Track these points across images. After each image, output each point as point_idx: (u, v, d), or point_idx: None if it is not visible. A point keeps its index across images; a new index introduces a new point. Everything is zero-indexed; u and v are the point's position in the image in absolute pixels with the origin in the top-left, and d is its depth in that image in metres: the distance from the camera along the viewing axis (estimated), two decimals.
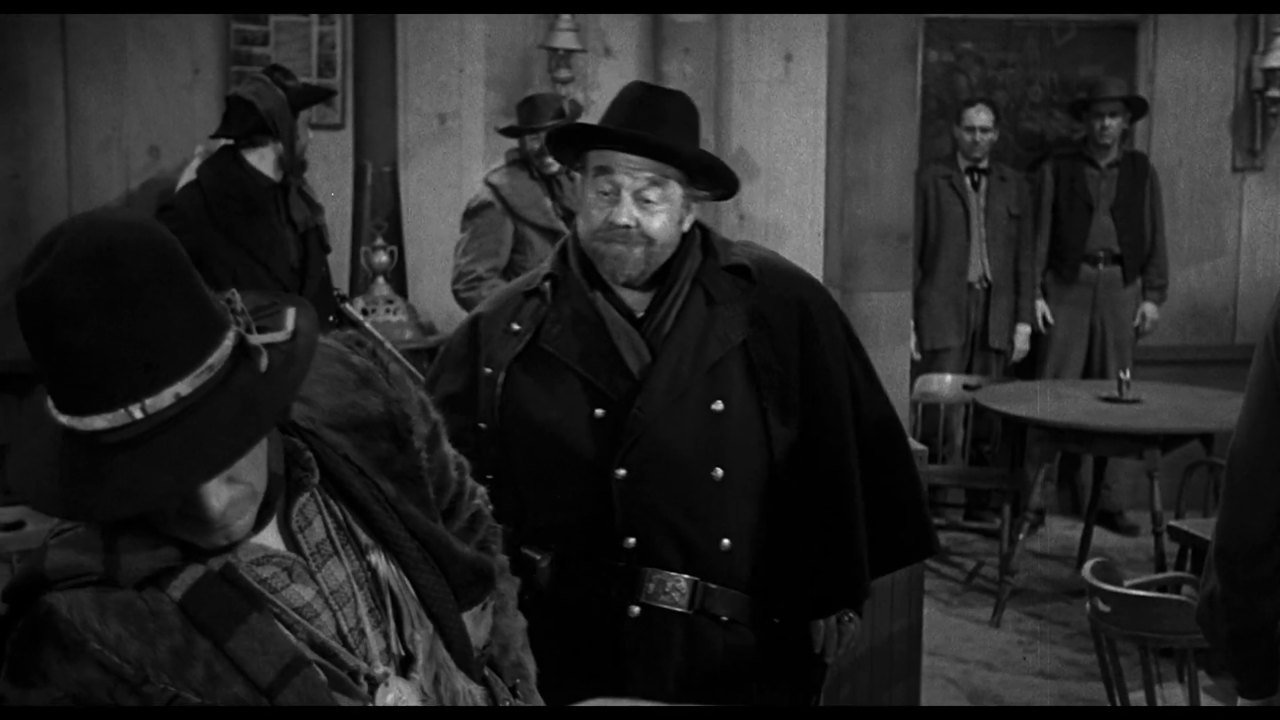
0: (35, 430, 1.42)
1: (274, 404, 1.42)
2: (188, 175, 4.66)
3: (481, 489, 1.95)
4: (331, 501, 1.62)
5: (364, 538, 1.63)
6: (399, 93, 5.91)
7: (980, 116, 6.36)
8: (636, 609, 2.47)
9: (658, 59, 6.19)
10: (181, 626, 1.47)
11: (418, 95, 6.00)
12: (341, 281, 5.46)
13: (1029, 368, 6.68)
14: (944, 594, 5.81)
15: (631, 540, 2.46)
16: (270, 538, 1.57)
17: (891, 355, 3.76)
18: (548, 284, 2.56)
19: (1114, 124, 6.39)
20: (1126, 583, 3.36)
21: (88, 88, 5.75)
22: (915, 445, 3.84)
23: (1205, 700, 3.32)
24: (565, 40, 5.89)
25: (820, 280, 3.91)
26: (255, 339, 1.43)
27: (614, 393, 2.47)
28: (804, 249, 6.25)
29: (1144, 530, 6.15)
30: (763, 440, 2.52)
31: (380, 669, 1.60)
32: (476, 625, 1.76)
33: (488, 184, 5.01)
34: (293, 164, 4.56)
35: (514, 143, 5.18)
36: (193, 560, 1.50)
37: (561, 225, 4.97)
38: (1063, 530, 6.62)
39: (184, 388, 1.36)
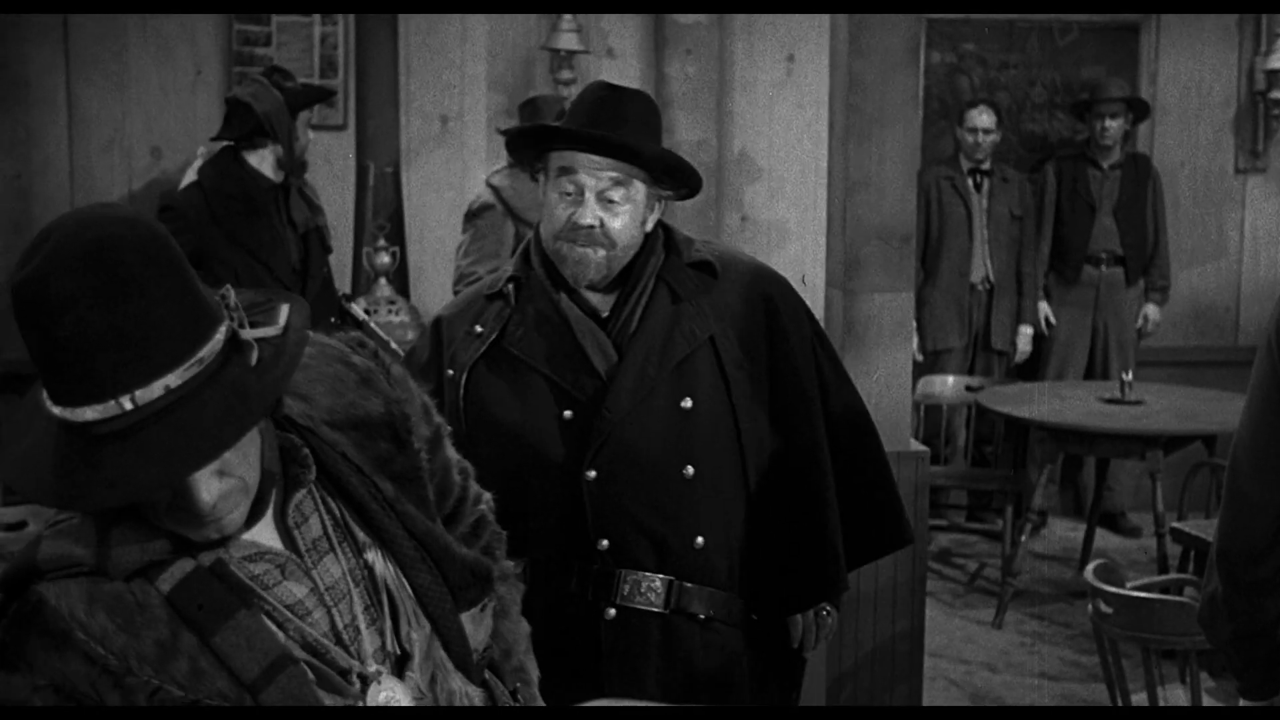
0: (30, 422, 1.44)
1: (263, 397, 1.43)
2: (189, 176, 4.66)
3: (487, 495, 1.95)
4: (329, 499, 1.63)
5: (361, 536, 1.63)
6: (401, 93, 5.91)
7: (982, 118, 6.35)
8: (613, 611, 2.46)
9: (660, 60, 6.20)
10: (168, 620, 1.48)
11: (420, 96, 6.01)
12: (343, 282, 5.47)
13: (1031, 369, 6.67)
14: (946, 595, 5.81)
15: (605, 542, 2.45)
16: (265, 534, 1.58)
17: (893, 356, 3.75)
18: (511, 286, 2.54)
19: (1115, 125, 6.39)
20: (1129, 584, 3.36)
21: (90, 88, 5.76)
22: (917, 446, 3.84)
23: (1207, 701, 3.31)
24: (567, 41, 5.89)
25: (824, 279, 3.92)
26: (247, 334, 1.44)
27: (581, 394, 2.46)
28: (806, 250, 6.27)
29: (1146, 532, 6.15)
30: (733, 436, 2.51)
31: (373, 667, 1.60)
32: (475, 627, 1.75)
33: (489, 185, 5.01)
34: (292, 165, 4.56)
35: None
36: (183, 554, 1.50)
37: None
38: (1065, 532, 6.62)
39: (174, 380, 1.37)
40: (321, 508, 1.62)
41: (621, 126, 2.42)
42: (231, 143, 4.55)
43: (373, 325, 4.73)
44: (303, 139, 4.60)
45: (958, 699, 4.78)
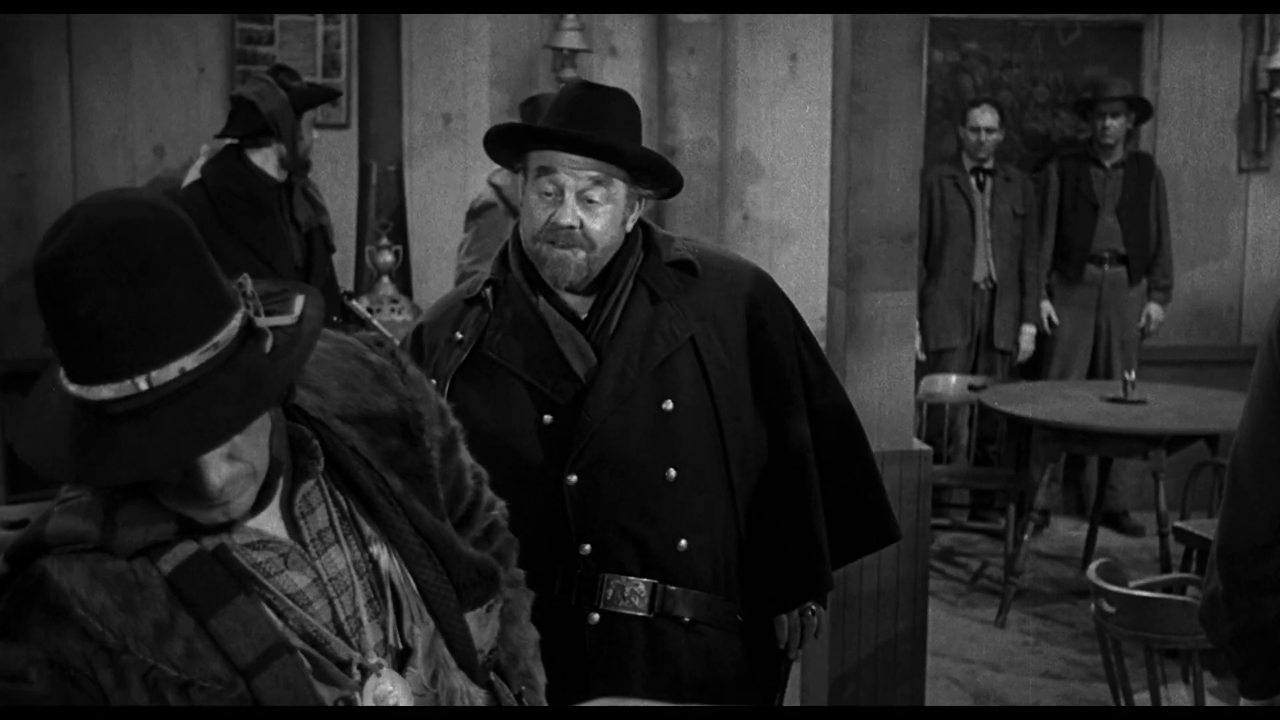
0: (46, 401, 1.46)
1: (275, 383, 1.45)
2: (192, 174, 4.66)
3: (501, 503, 1.96)
4: (336, 491, 1.64)
5: (367, 529, 1.64)
6: (404, 92, 5.92)
7: (985, 117, 6.35)
8: (596, 615, 2.44)
9: (663, 59, 6.20)
10: (167, 600, 1.50)
11: (423, 95, 6.01)
12: (346, 281, 5.47)
13: (1034, 368, 6.67)
14: (949, 594, 5.81)
15: (587, 547, 2.43)
16: (271, 522, 1.59)
17: (896, 355, 3.75)
18: (488, 290, 2.52)
19: (1116, 124, 6.38)
20: (1131, 584, 3.36)
21: (93, 86, 5.76)
22: (920, 445, 3.84)
23: (1210, 701, 3.31)
24: (570, 40, 5.89)
25: (827, 278, 3.91)
26: (262, 321, 1.46)
27: (561, 398, 2.44)
28: (809, 249, 6.27)
29: (1149, 531, 6.15)
30: (715, 436, 2.49)
31: (374, 659, 1.61)
32: (481, 628, 1.76)
33: (491, 184, 5.01)
34: (295, 164, 4.56)
35: None
36: (187, 537, 1.52)
37: None
38: (1068, 531, 6.62)
39: (189, 362, 1.39)
40: (329, 500, 1.63)
41: (601, 126, 2.40)
42: (235, 141, 4.55)
43: (376, 323, 4.73)
44: (306, 138, 4.60)
45: (960, 698, 4.78)
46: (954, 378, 6.24)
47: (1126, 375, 5.59)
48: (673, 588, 2.47)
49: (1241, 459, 2.24)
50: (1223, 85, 6.79)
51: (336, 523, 1.63)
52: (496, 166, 5.30)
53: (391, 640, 1.64)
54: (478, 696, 1.74)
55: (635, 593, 2.46)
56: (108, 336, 1.37)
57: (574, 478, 2.42)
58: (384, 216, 5.64)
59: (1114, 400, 5.50)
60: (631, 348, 2.45)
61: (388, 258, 5.43)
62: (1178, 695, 3.46)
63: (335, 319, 4.71)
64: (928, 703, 4.00)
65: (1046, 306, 6.55)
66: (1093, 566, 3.37)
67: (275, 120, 4.48)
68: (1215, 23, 6.73)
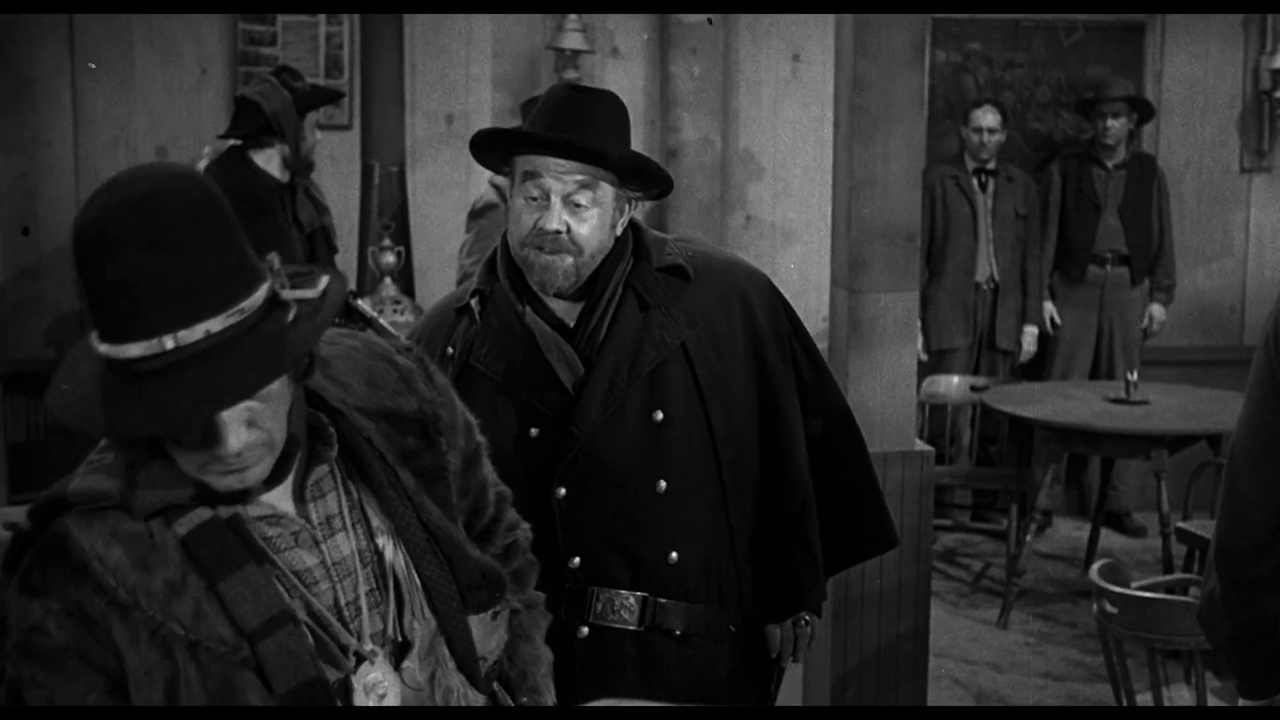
0: (79, 364, 1.52)
1: (295, 347, 1.51)
2: None
3: (525, 525, 1.97)
4: (348, 480, 1.68)
5: (375, 520, 1.68)
6: (406, 93, 5.92)
7: (988, 117, 6.35)
8: (586, 629, 2.41)
9: (665, 59, 6.20)
10: (179, 561, 1.55)
11: (425, 96, 6.01)
12: (349, 282, 5.47)
13: (1036, 369, 6.67)
14: (951, 595, 5.81)
15: (576, 560, 2.40)
16: (284, 501, 1.64)
17: (898, 356, 3.75)
18: (475, 300, 2.48)
19: (1117, 124, 6.38)
20: (1134, 584, 3.36)
21: (95, 88, 5.77)
22: (922, 446, 3.84)
23: (1212, 702, 3.31)
24: (573, 41, 5.90)
25: (829, 279, 3.91)
26: (287, 294, 1.53)
27: (548, 410, 2.40)
28: (811, 249, 6.27)
29: (1151, 531, 6.14)
30: (708, 445, 2.46)
31: (369, 647, 1.64)
32: (485, 635, 1.77)
33: (493, 185, 5.01)
34: (298, 165, 4.57)
35: None
36: (204, 504, 1.57)
37: None
38: (1070, 531, 6.61)
39: (215, 325, 1.45)
40: (340, 487, 1.68)
41: (586, 128, 2.35)
42: (238, 142, 4.55)
43: (383, 323, 4.73)
44: (310, 139, 4.60)
45: (962, 699, 4.78)
46: (956, 378, 6.24)
47: (1129, 375, 5.59)
48: (663, 600, 2.44)
49: (1239, 459, 2.24)
50: (1225, 85, 6.79)
51: (345, 510, 1.67)
52: None
53: (391, 632, 1.67)
54: (476, 700, 1.75)
55: (625, 606, 2.43)
56: (137, 297, 1.43)
57: (563, 490, 2.39)
58: (386, 217, 5.64)
59: (1116, 401, 5.50)
60: (620, 357, 2.41)
61: (390, 259, 5.43)
62: (1180, 696, 3.46)
63: (339, 320, 4.71)
64: (929, 703, 4.00)
65: (1049, 307, 6.55)
66: (1095, 567, 3.37)
67: (278, 121, 4.49)
68: (1217, 23, 6.73)
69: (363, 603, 1.65)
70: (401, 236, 5.67)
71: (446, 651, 1.70)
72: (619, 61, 6.17)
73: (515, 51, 6.10)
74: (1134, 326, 6.55)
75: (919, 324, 5.18)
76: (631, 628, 2.43)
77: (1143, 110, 6.47)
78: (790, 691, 2.82)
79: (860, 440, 2.70)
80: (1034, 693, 4.84)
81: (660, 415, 2.42)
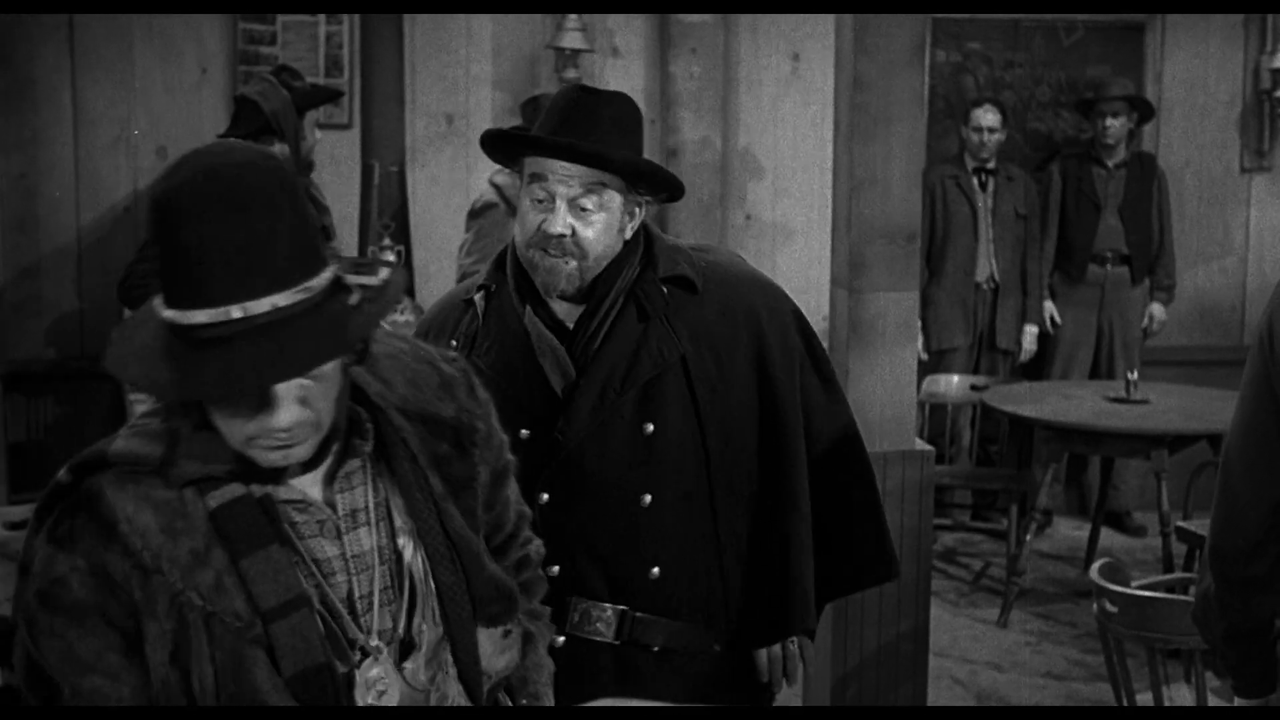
0: (141, 327, 1.56)
1: (357, 328, 1.55)
2: None
3: (538, 541, 1.98)
4: (378, 478, 1.70)
5: (399, 520, 1.70)
6: (406, 92, 5.92)
7: (988, 117, 6.35)
8: (561, 639, 2.33)
9: (665, 59, 6.20)
10: (206, 533, 1.58)
11: (425, 95, 6.01)
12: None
13: (1036, 368, 6.67)
14: (951, 594, 5.81)
15: (555, 568, 2.33)
16: (313, 488, 1.66)
17: (898, 355, 3.75)
18: (480, 295, 2.46)
19: (1117, 124, 6.38)
20: (1134, 583, 3.36)
21: (96, 87, 5.77)
22: (922, 445, 3.84)
23: (1212, 701, 3.31)
24: (573, 40, 5.90)
25: (829, 279, 3.91)
26: (351, 279, 1.57)
27: (539, 413, 2.37)
28: (811, 249, 6.27)
29: (1151, 531, 6.14)
30: (700, 463, 2.41)
31: (375, 642, 1.66)
32: (495, 650, 1.78)
33: (492, 184, 5.01)
34: (298, 164, 4.57)
35: None
36: (239, 480, 1.61)
37: None
38: (1070, 531, 6.61)
39: (282, 300, 1.49)
40: (369, 484, 1.70)
41: (593, 131, 2.32)
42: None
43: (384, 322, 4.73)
44: (310, 139, 4.60)
45: (962, 698, 4.78)
46: (956, 378, 6.24)
47: (1129, 375, 5.59)
48: (643, 615, 2.40)
49: (1233, 459, 2.25)
50: (1225, 85, 6.79)
51: (371, 506, 1.69)
52: (498, 166, 5.33)
53: (399, 631, 1.68)
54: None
55: (603, 618, 2.39)
56: (209, 265, 1.47)
57: (545, 496, 2.36)
58: (386, 217, 5.64)
59: (1116, 400, 5.50)
60: (615, 366, 2.37)
61: (390, 258, 5.43)
62: (1180, 695, 3.46)
63: None
64: (930, 703, 4.00)
65: (1049, 306, 6.55)
66: (1095, 566, 3.36)
67: (278, 120, 4.49)
68: (1217, 22, 6.73)
69: (376, 599, 1.66)
70: (401, 236, 5.68)
71: (450, 658, 1.71)
72: (619, 61, 6.17)
73: (515, 51, 6.10)
74: (1134, 326, 6.55)
75: (919, 324, 5.19)
76: (608, 640, 2.40)
77: (1142, 110, 6.47)
78: (790, 691, 2.81)
79: (865, 467, 2.63)
80: (1034, 692, 4.84)
81: (651, 428, 2.38)
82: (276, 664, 1.57)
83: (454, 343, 2.44)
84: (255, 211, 1.49)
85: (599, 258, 2.36)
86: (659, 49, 6.23)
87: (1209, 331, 6.90)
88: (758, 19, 6.33)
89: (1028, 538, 5.46)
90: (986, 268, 6.43)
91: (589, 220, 2.34)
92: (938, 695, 4.51)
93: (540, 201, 2.34)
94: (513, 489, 1.91)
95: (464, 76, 6.03)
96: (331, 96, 4.99)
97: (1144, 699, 3.38)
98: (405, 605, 1.69)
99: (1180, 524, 4.89)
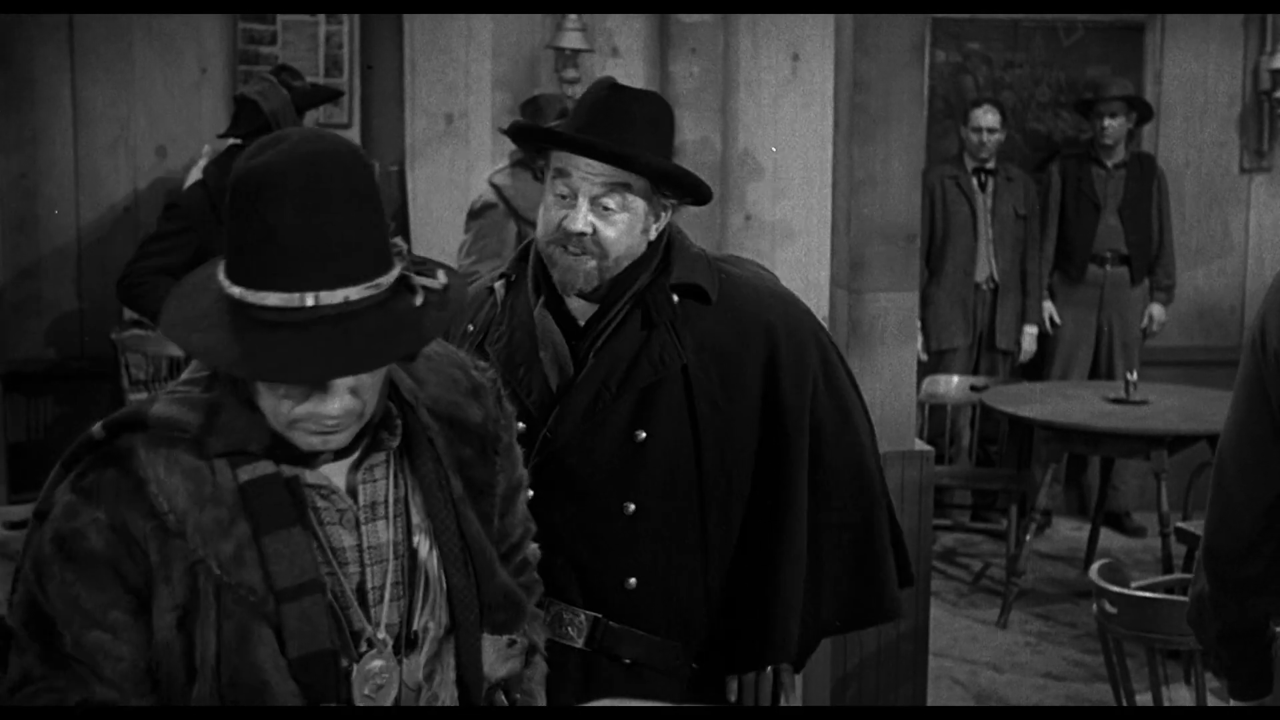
0: (197, 296, 1.57)
1: (425, 330, 1.58)
2: (194, 175, 4.67)
3: (534, 545, 1.98)
4: (401, 474, 1.72)
5: (416, 518, 1.71)
6: (406, 92, 5.92)
7: (987, 117, 6.35)
8: None
9: (665, 59, 6.20)
10: (233, 505, 1.60)
11: (425, 95, 6.01)
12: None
13: (1036, 369, 6.67)
14: (950, 595, 5.81)
15: None
16: (337, 476, 1.68)
17: (898, 356, 3.75)
18: (501, 284, 2.43)
19: (1116, 124, 6.37)
20: (1133, 584, 3.36)
21: (95, 87, 5.76)
22: (922, 446, 3.84)
23: (1212, 702, 3.31)
24: (572, 40, 5.90)
25: (829, 279, 3.91)
26: (416, 280, 1.58)
27: (535, 408, 2.33)
28: (810, 249, 6.27)
29: (1151, 531, 6.14)
30: (692, 476, 2.35)
31: (380, 635, 1.67)
32: (498, 658, 1.79)
33: (491, 184, 5.01)
34: None
35: None
36: (270, 458, 1.62)
37: None
38: (1069, 531, 6.61)
39: (354, 293, 1.51)
40: (392, 478, 1.71)
41: (622, 130, 2.28)
42: (238, 141, 4.55)
43: None
44: None
45: (962, 699, 4.78)
46: (956, 378, 6.24)
47: (1128, 375, 5.59)
48: (615, 625, 2.35)
49: (1226, 460, 2.25)
50: (1225, 85, 6.79)
51: (391, 501, 1.70)
52: (497, 166, 5.34)
53: (404, 628, 1.70)
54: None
55: (574, 623, 2.35)
56: (291, 249, 1.49)
57: (530, 492, 2.29)
58: (386, 216, 5.64)
59: (1116, 401, 5.49)
60: (612, 369, 2.33)
61: None
62: (1179, 696, 3.46)
63: None
64: (929, 703, 4.00)
65: (1048, 307, 6.55)
66: (1094, 567, 3.36)
67: (278, 120, 4.49)
68: (1217, 23, 6.73)
69: (386, 592, 1.68)
70: (401, 235, 5.68)
71: (451, 660, 1.73)
72: (618, 61, 6.17)
73: (515, 51, 6.09)
74: (1134, 326, 6.55)
75: (919, 324, 5.19)
76: (578, 646, 2.35)
77: (1141, 110, 6.47)
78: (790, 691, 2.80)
79: (872, 498, 2.52)
80: (1034, 693, 4.84)
81: (643, 435, 2.33)
82: (282, 645, 1.58)
83: (470, 327, 2.43)
84: (338, 202, 1.50)
85: (619, 258, 2.33)
86: (658, 49, 6.23)
87: (1208, 332, 6.90)
88: (757, 19, 6.33)
89: (1027, 538, 5.46)
90: (986, 268, 6.43)
91: (611, 219, 2.30)
92: (937, 695, 4.51)
93: (563, 197, 2.31)
94: (523, 504, 1.92)
95: (464, 76, 6.03)
96: (331, 96, 4.99)
97: (1144, 699, 3.38)
98: (415, 601, 1.70)
99: (1180, 524, 4.89)
